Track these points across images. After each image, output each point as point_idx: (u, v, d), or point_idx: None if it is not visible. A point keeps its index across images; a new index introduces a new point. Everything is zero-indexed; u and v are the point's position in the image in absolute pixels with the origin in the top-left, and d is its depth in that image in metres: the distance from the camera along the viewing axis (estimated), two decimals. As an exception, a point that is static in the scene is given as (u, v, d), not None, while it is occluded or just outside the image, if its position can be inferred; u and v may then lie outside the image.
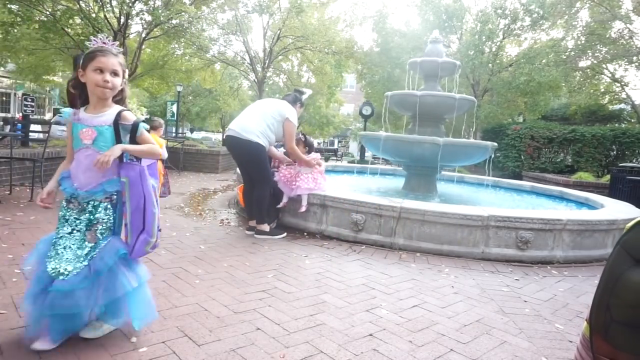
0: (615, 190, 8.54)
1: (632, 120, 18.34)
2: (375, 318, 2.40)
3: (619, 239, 0.84)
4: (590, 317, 0.86)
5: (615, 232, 4.25)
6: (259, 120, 3.99)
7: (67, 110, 1.89)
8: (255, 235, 4.06)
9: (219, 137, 33.53)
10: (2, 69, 16.42)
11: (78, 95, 1.90)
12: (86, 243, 1.82)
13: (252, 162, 4.08)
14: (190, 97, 28.12)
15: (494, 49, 15.27)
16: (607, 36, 14.97)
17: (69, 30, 9.53)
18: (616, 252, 0.82)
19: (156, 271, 2.87)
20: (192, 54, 14.37)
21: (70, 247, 1.80)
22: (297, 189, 4.27)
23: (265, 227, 4.08)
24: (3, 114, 20.77)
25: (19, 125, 9.60)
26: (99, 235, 1.84)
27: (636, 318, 0.76)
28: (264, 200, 4.10)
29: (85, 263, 1.78)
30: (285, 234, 4.16)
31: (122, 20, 9.57)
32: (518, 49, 17.33)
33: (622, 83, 16.44)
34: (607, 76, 16.77)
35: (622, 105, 19.00)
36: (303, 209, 4.28)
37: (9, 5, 8.36)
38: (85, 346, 1.84)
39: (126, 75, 1.95)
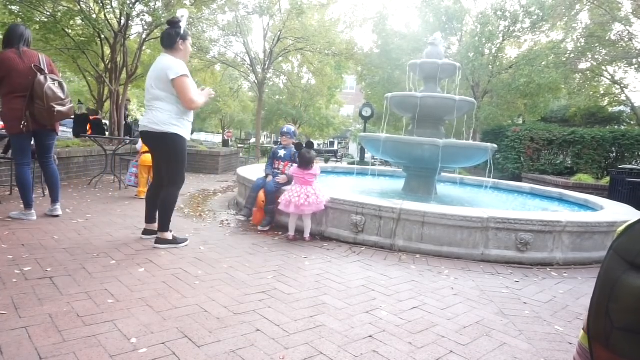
0: (614, 192, 8.54)
1: (632, 122, 18.36)
2: (375, 319, 2.40)
3: (611, 244, 0.84)
4: (587, 325, 0.85)
5: (614, 234, 4.25)
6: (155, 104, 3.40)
7: None
8: (156, 245, 3.48)
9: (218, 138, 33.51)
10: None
11: None
12: None
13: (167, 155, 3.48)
14: (190, 98, 28.06)
15: (493, 51, 15.29)
16: (607, 38, 14.99)
17: (70, 31, 9.56)
18: (609, 258, 0.82)
19: (156, 272, 2.87)
20: (192, 55, 14.39)
21: None
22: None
23: (169, 235, 3.52)
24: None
25: None
26: None
27: (638, 323, 0.75)
28: (173, 204, 3.56)
29: None
30: (188, 242, 3.66)
31: (123, 21, 9.58)
32: (518, 51, 17.34)
33: (622, 85, 16.46)
34: (607, 78, 16.79)
35: (622, 108, 19.03)
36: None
37: (9, 7, 8.38)
38: (84, 346, 1.84)
39: None
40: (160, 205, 3.51)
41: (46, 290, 2.39)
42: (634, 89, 23.25)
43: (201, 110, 28.37)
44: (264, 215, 4.51)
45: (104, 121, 11.92)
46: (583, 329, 0.90)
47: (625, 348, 0.77)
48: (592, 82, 16.91)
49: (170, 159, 3.44)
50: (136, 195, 5.75)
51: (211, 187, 7.73)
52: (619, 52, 14.76)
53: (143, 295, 2.46)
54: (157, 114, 3.36)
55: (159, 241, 3.51)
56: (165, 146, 3.40)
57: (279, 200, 4.17)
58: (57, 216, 4.20)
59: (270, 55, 17.45)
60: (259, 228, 4.41)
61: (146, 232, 3.72)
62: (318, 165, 4.26)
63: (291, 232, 4.12)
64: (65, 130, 14.48)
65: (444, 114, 6.16)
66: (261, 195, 4.57)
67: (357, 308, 2.55)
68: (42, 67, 3.91)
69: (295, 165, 4.32)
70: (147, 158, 5.47)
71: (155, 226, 3.63)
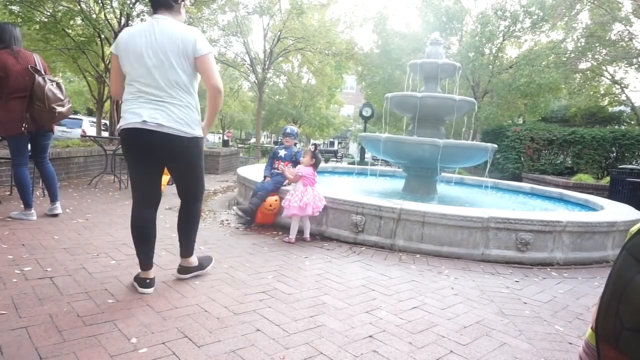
0: (615, 192, 8.54)
1: (632, 122, 18.36)
2: (375, 319, 2.40)
3: (623, 244, 0.82)
4: (596, 325, 0.85)
5: (615, 234, 4.25)
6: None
7: None
8: (183, 276, 2.80)
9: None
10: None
11: None
12: None
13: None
14: (191, 98, 28.08)
15: (494, 51, 15.29)
16: (607, 38, 15.00)
17: (70, 31, 9.56)
18: (622, 258, 0.81)
19: (156, 272, 2.87)
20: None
21: None
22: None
23: (195, 260, 2.86)
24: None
25: None
26: None
27: None
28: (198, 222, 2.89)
29: None
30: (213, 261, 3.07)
31: (123, 21, 9.58)
32: (518, 51, 17.36)
33: (622, 85, 16.47)
34: (607, 78, 16.80)
35: (622, 107, 19.03)
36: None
37: (10, 7, 8.38)
38: (84, 346, 1.84)
39: None
40: (190, 227, 2.79)
41: (46, 290, 2.39)
42: (634, 89, 23.26)
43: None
44: (263, 217, 4.55)
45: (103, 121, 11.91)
46: (591, 327, 0.89)
47: (635, 349, 0.76)
48: (592, 82, 16.91)
49: (196, 170, 2.61)
50: None
51: (211, 187, 7.73)
52: (619, 52, 14.77)
53: (143, 295, 2.46)
54: (184, 110, 2.40)
55: (188, 270, 2.81)
56: (189, 156, 2.52)
57: (286, 205, 4.06)
58: (57, 215, 4.20)
59: (270, 55, 17.45)
60: (235, 208, 4.61)
61: (181, 269, 2.84)
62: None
63: (293, 236, 4.04)
64: (65, 131, 14.50)
65: (444, 114, 6.16)
66: (269, 200, 4.50)
67: (357, 308, 2.55)
68: (38, 67, 3.89)
69: (300, 166, 4.27)
70: None
71: (192, 260, 2.83)
